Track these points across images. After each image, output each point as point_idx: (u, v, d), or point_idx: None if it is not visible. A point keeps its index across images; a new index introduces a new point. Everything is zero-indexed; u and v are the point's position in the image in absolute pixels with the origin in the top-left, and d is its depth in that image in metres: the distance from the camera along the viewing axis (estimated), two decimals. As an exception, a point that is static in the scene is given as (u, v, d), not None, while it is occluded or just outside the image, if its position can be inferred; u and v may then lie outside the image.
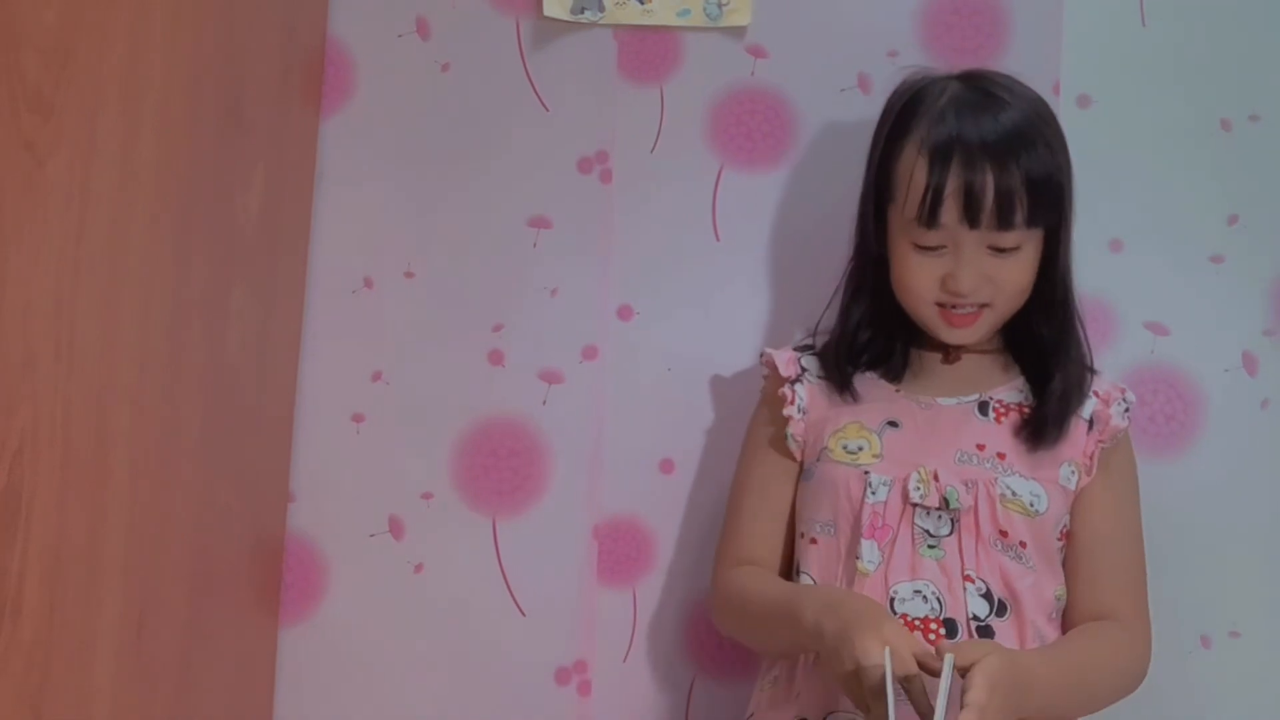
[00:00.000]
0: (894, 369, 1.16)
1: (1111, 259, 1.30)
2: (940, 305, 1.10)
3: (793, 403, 1.15)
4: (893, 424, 1.12)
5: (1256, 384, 1.29)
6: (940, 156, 1.06)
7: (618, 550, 1.30)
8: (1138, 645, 1.10)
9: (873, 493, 1.09)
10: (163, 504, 1.01)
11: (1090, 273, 1.26)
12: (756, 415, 1.21)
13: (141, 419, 0.96)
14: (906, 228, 1.09)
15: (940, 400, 1.14)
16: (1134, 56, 1.32)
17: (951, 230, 1.07)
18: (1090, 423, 1.12)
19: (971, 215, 1.05)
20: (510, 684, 1.29)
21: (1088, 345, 1.16)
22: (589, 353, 1.32)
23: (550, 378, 1.32)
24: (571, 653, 1.29)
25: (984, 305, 1.10)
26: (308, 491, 1.31)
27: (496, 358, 1.32)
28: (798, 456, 1.15)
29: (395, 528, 1.31)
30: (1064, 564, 1.12)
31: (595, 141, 1.33)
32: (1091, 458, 1.12)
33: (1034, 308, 1.13)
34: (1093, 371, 1.15)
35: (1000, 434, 1.11)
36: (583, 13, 1.32)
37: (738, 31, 1.32)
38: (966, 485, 1.08)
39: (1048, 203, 1.08)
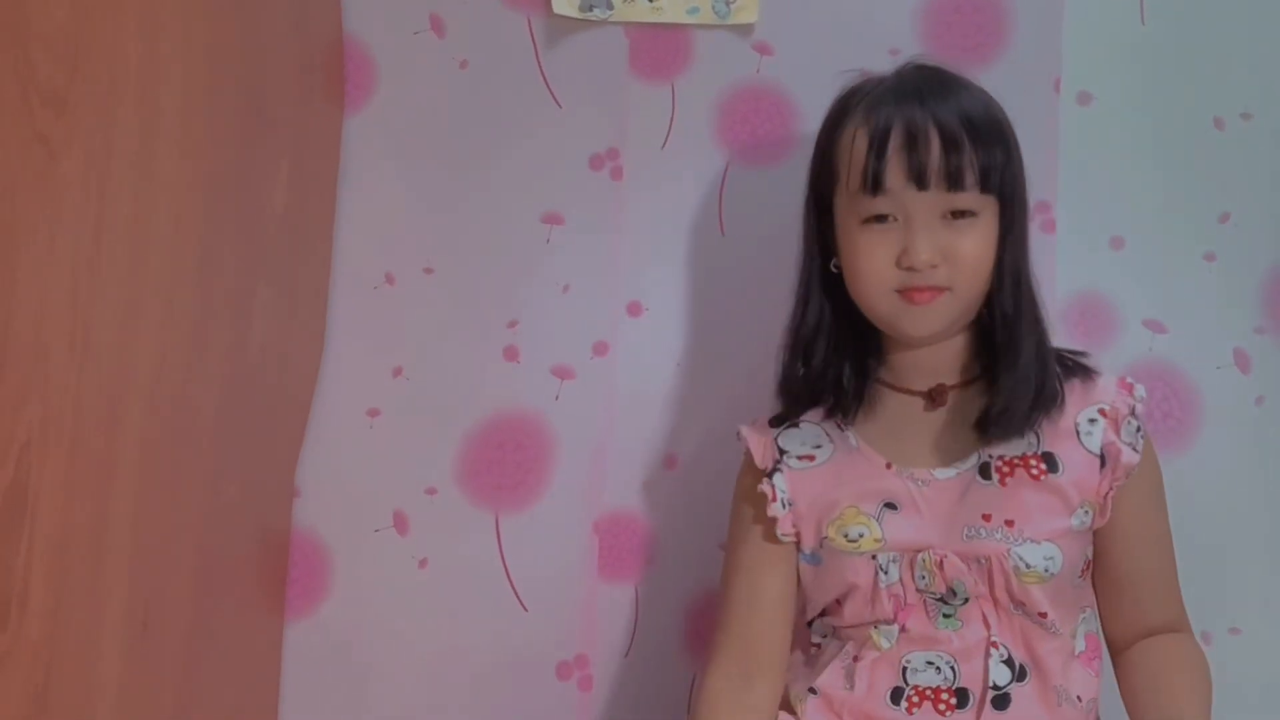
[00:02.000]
0: (845, 405, 1.07)
1: (1112, 256, 1.30)
2: (899, 292, 1.01)
3: (775, 499, 1.06)
4: (890, 505, 1.04)
5: (1249, 381, 1.30)
6: (881, 122, 1.00)
7: (619, 545, 1.30)
8: (1202, 653, 1.06)
9: (884, 573, 1.03)
10: (169, 499, 1.01)
11: (1091, 270, 1.28)
12: (738, 506, 1.12)
13: (154, 415, 0.96)
14: (853, 204, 1.02)
15: (937, 474, 1.04)
16: (1133, 54, 1.32)
17: (899, 195, 0.99)
18: (1101, 459, 1.04)
19: (918, 174, 0.98)
20: (512, 678, 1.29)
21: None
22: (600, 349, 1.32)
23: (562, 373, 1.32)
24: (573, 647, 1.30)
25: (943, 289, 1.00)
26: (313, 487, 1.31)
27: (512, 353, 1.32)
28: (792, 542, 1.07)
29: (400, 523, 1.31)
30: (1095, 584, 1.07)
31: (607, 138, 1.33)
32: (1106, 498, 1.04)
33: (993, 305, 1.04)
34: (1080, 367, 1.07)
35: (1006, 498, 1.02)
36: (591, 10, 1.32)
37: (745, 29, 1.33)
38: (979, 562, 1.01)
39: (998, 167, 1.00)
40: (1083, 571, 1.06)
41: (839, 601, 1.06)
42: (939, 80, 1.04)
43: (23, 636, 0.81)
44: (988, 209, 1.01)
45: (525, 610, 1.30)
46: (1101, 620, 1.09)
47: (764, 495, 1.07)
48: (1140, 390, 1.07)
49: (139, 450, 0.94)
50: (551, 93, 1.34)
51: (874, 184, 0.99)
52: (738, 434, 1.13)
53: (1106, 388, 1.07)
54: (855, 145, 1.02)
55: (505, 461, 1.31)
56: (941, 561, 1.01)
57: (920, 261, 0.99)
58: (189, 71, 0.98)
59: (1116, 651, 1.08)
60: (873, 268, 1.01)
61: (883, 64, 1.26)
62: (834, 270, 1.07)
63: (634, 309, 1.32)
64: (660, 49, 1.33)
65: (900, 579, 1.03)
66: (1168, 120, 1.32)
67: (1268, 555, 1.28)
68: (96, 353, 0.87)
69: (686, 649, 1.30)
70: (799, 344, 1.09)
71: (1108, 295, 1.30)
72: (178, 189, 0.96)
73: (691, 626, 1.30)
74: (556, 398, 1.31)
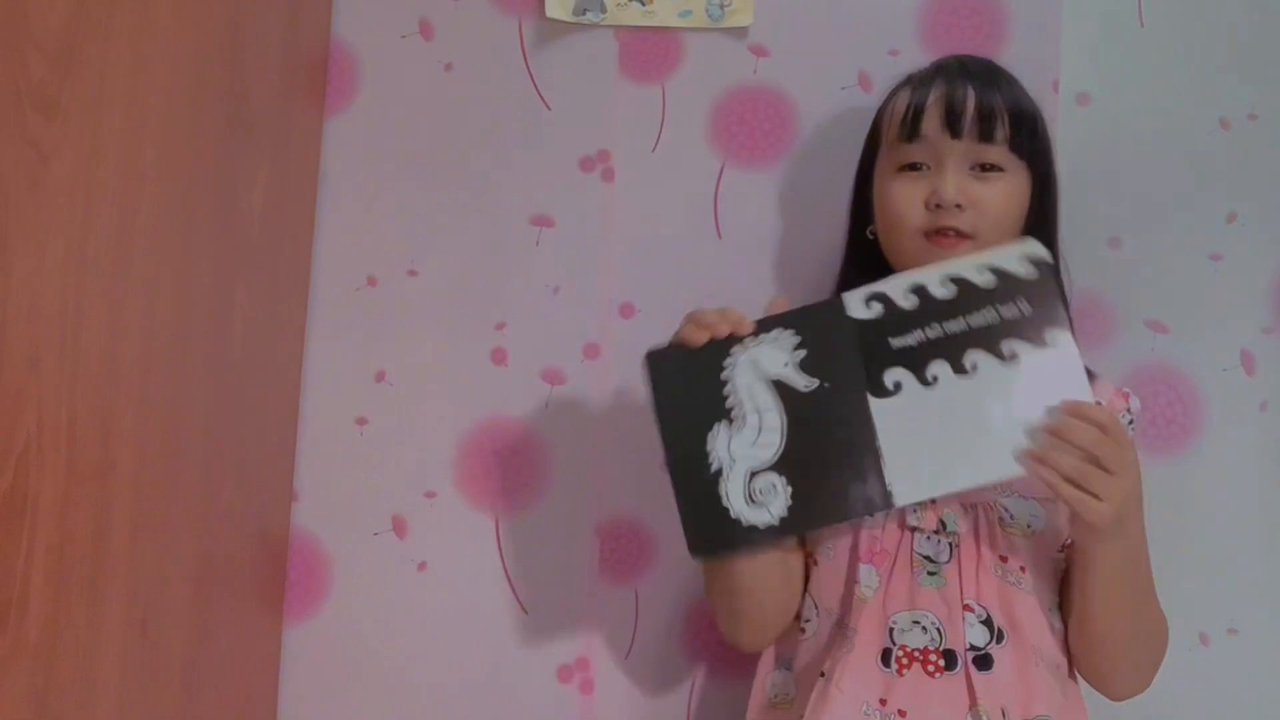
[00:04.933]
0: None
1: (1111, 256, 1.30)
2: (926, 236, 1.07)
3: None
4: None
5: (1255, 383, 1.29)
6: (924, 80, 1.09)
7: (620, 548, 1.30)
8: (1165, 623, 1.08)
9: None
10: (167, 503, 1.01)
11: (1090, 270, 1.27)
12: None
13: (146, 418, 0.96)
14: (891, 154, 1.10)
15: None
16: (1132, 55, 1.32)
17: (933, 142, 1.07)
18: None
19: (953, 122, 1.06)
20: (512, 682, 1.29)
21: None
22: (590, 351, 1.32)
23: (552, 377, 1.32)
24: (573, 650, 1.30)
25: (967, 236, 1.06)
26: (312, 490, 1.31)
27: (499, 356, 1.32)
28: None
29: (399, 526, 1.31)
30: (1065, 576, 1.09)
31: (597, 140, 1.33)
32: None
33: None
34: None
35: None
36: (584, 14, 1.33)
37: (740, 32, 1.33)
38: (965, 509, 1.05)
39: (1029, 134, 1.08)
40: (1063, 547, 1.08)
41: (815, 562, 1.09)
42: (986, 67, 1.12)
43: (22, 640, 0.81)
44: (1017, 171, 1.08)
45: (525, 613, 1.30)
46: (1065, 620, 1.09)
47: None
48: (1135, 402, 1.12)
49: (135, 453, 0.95)
50: (540, 95, 1.34)
51: (911, 130, 1.07)
52: None
53: (1104, 388, 1.11)
54: (897, 104, 1.11)
55: (503, 465, 1.31)
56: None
57: (947, 199, 1.05)
58: (175, 73, 0.99)
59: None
60: (903, 208, 1.08)
61: (882, 66, 1.28)
62: (870, 237, 1.13)
63: (626, 310, 1.32)
64: (650, 51, 1.33)
65: (884, 525, 1.05)
66: (1170, 121, 1.31)
67: (1266, 558, 1.27)
68: (86, 358, 0.87)
69: (687, 651, 1.30)
70: None
71: (1107, 295, 1.29)
72: (158, 192, 0.97)
73: (692, 629, 1.30)
74: (546, 401, 1.31)
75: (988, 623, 1.04)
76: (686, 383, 0.99)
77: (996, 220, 1.07)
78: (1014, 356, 0.95)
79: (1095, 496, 0.94)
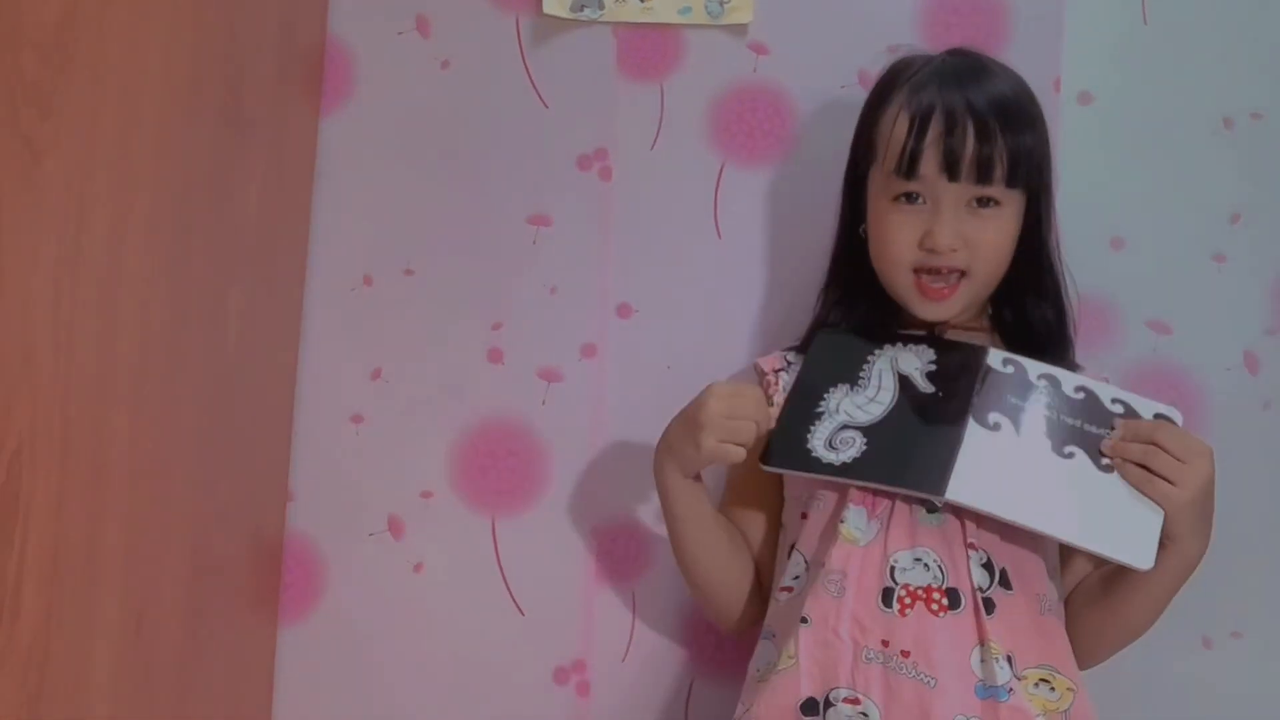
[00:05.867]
0: None
1: (1113, 257, 1.30)
2: (917, 274, 1.09)
3: (776, 386, 1.14)
4: None
5: (1258, 383, 1.29)
6: (922, 110, 1.08)
7: (617, 550, 1.30)
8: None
9: None
10: (161, 503, 1.01)
11: (1091, 270, 1.26)
12: None
13: (140, 418, 0.96)
14: (887, 183, 1.10)
15: None
16: (1136, 54, 1.32)
17: (931, 182, 1.07)
18: None
19: (951, 167, 1.06)
20: (509, 683, 1.29)
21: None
22: (588, 351, 1.32)
23: (549, 376, 1.32)
24: (570, 652, 1.29)
25: (961, 276, 1.09)
26: (307, 490, 1.31)
27: (495, 356, 1.32)
28: None
29: (395, 527, 1.31)
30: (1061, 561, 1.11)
31: (594, 139, 1.33)
32: None
33: (1025, 286, 1.13)
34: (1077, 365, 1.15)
35: None
36: (582, 10, 1.32)
37: (739, 29, 1.32)
38: None
39: (1027, 164, 1.08)
40: None
41: (804, 515, 1.10)
42: (979, 67, 1.12)
43: (15, 641, 0.81)
44: (1012, 201, 1.10)
45: (522, 615, 1.30)
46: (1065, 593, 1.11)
47: (767, 385, 1.15)
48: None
49: (129, 452, 0.95)
50: (538, 93, 1.34)
51: (909, 169, 1.08)
52: (754, 366, 1.21)
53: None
54: (896, 128, 1.09)
55: (499, 466, 1.31)
56: None
57: (942, 246, 1.07)
58: (170, 70, 0.99)
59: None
60: (897, 244, 1.09)
61: (882, 64, 1.27)
62: (862, 235, 1.15)
63: (624, 310, 1.32)
64: (649, 49, 1.33)
65: None
66: (1173, 120, 1.31)
67: (1270, 560, 1.27)
68: (80, 356, 0.87)
69: (684, 654, 1.29)
70: (829, 301, 1.19)
71: (1109, 296, 1.29)
72: (152, 190, 0.97)
73: (690, 631, 1.30)
74: (543, 401, 1.31)
75: (988, 566, 1.04)
76: (840, 353, 1.14)
77: (992, 256, 1.10)
78: (1109, 469, 1.04)
79: (1167, 481, 1.00)
